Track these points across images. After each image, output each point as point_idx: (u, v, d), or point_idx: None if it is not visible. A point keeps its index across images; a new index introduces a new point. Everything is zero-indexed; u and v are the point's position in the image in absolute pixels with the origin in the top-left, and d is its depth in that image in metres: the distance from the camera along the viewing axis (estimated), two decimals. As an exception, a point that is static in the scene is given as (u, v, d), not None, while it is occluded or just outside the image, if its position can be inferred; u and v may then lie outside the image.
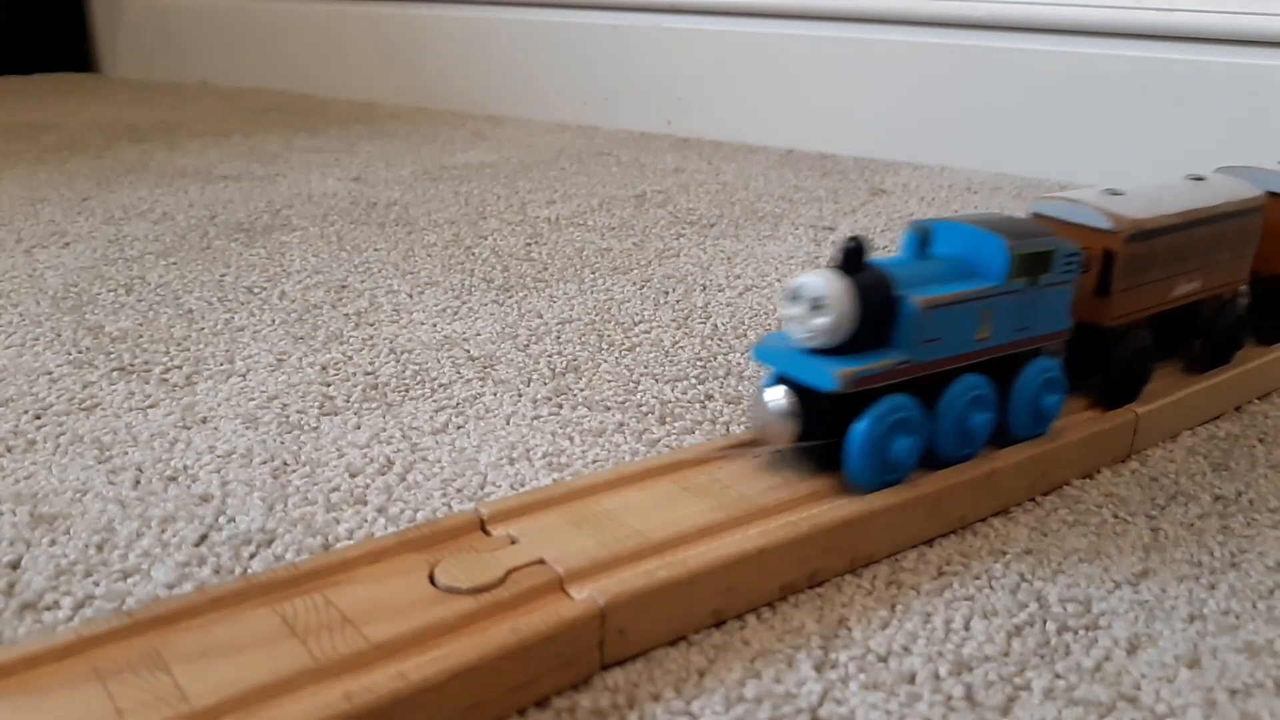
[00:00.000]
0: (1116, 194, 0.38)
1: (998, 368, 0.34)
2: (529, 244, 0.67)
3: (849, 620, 0.28)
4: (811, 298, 0.30)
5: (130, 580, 0.29)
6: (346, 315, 0.52)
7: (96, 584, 0.29)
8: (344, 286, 0.57)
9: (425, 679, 0.23)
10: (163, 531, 0.32)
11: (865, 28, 1.03)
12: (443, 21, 1.32)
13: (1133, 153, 0.89)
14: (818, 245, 0.68)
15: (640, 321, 0.52)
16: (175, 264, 0.61)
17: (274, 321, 0.51)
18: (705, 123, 1.14)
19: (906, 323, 0.31)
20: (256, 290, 0.56)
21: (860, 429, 0.31)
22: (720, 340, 0.50)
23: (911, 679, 0.26)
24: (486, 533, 0.29)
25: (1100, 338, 0.38)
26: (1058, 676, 0.26)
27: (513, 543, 0.28)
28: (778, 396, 0.32)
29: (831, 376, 0.30)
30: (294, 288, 0.57)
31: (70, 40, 1.68)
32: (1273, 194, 0.44)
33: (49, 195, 0.79)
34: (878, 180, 0.91)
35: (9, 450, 0.37)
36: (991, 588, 0.30)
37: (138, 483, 0.35)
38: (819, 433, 0.32)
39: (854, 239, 0.31)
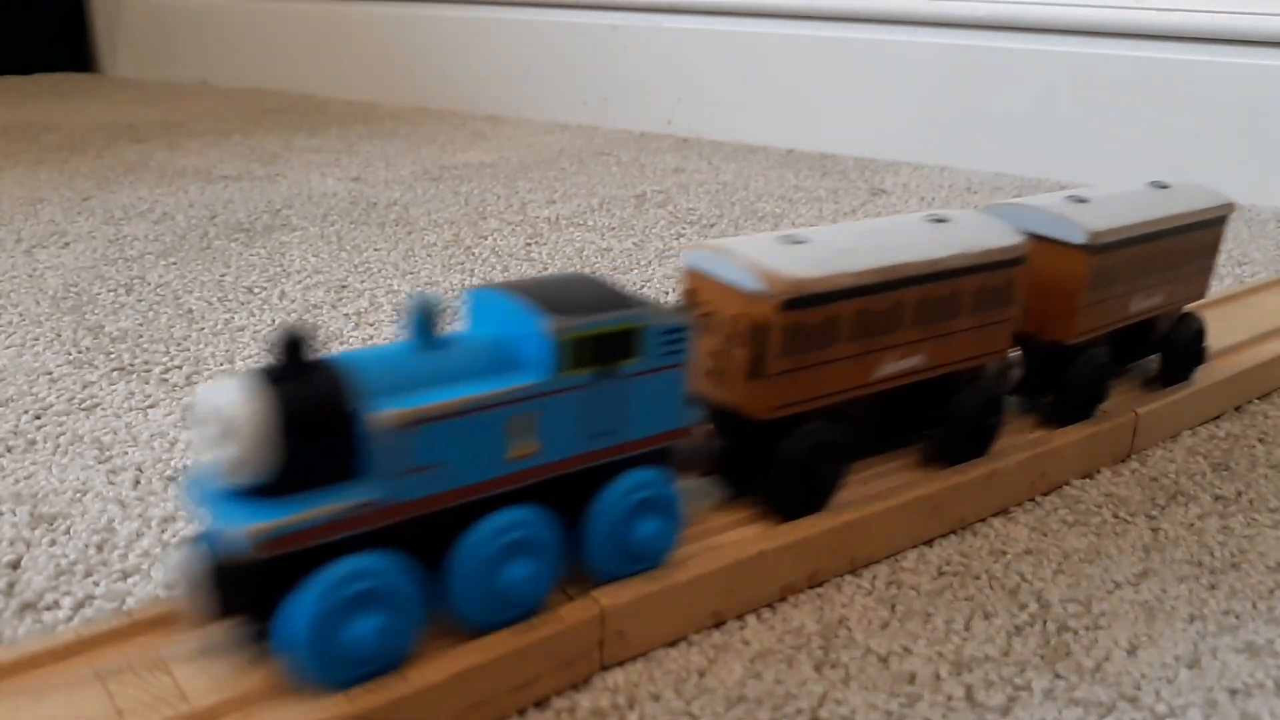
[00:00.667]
0: (796, 242, 0.30)
1: (564, 491, 0.25)
2: (529, 244, 0.67)
3: (849, 620, 0.28)
4: (215, 418, 0.21)
5: (130, 580, 0.29)
6: (346, 315, 0.52)
7: (96, 584, 0.29)
8: (344, 286, 0.57)
9: (426, 680, 0.23)
10: (163, 531, 0.32)
11: (865, 28, 1.03)
12: (443, 21, 1.32)
13: (1133, 153, 0.89)
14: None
15: (640, 321, 0.52)
16: (175, 264, 0.61)
17: (274, 321, 0.51)
18: (705, 123, 1.14)
19: (374, 447, 0.22)
20: (256, 290, 0.56)
21: (292, 609, 0.22)
22: (720, 340, 0.50)
23: (911, 679, 0.26)
24: None
25: (758, 434, 0.29)
26: (1058, 676, 0.26)
27: None
28: (190, 557, 0.22)
29: (238, 533, 0.21)
30: (294, 288, 0.57)
31: (70, 40, 1.68)
32: (1041, 239, 0.35)
33: (49, 195, 0.79)
34: (878, 180, 0.91)
35: (9, 450, 0.37)
36: (991, 588, 0.30)
37: (138, 483, 0.35)
38: (253, 608, 0.22)
39: (292, 328, 0.22)
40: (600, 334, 0.24)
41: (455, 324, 0.26)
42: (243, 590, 0.22)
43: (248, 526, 0.21)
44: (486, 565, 0.24)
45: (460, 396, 0.23)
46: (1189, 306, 0.42)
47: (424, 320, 0.24)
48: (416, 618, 0.23)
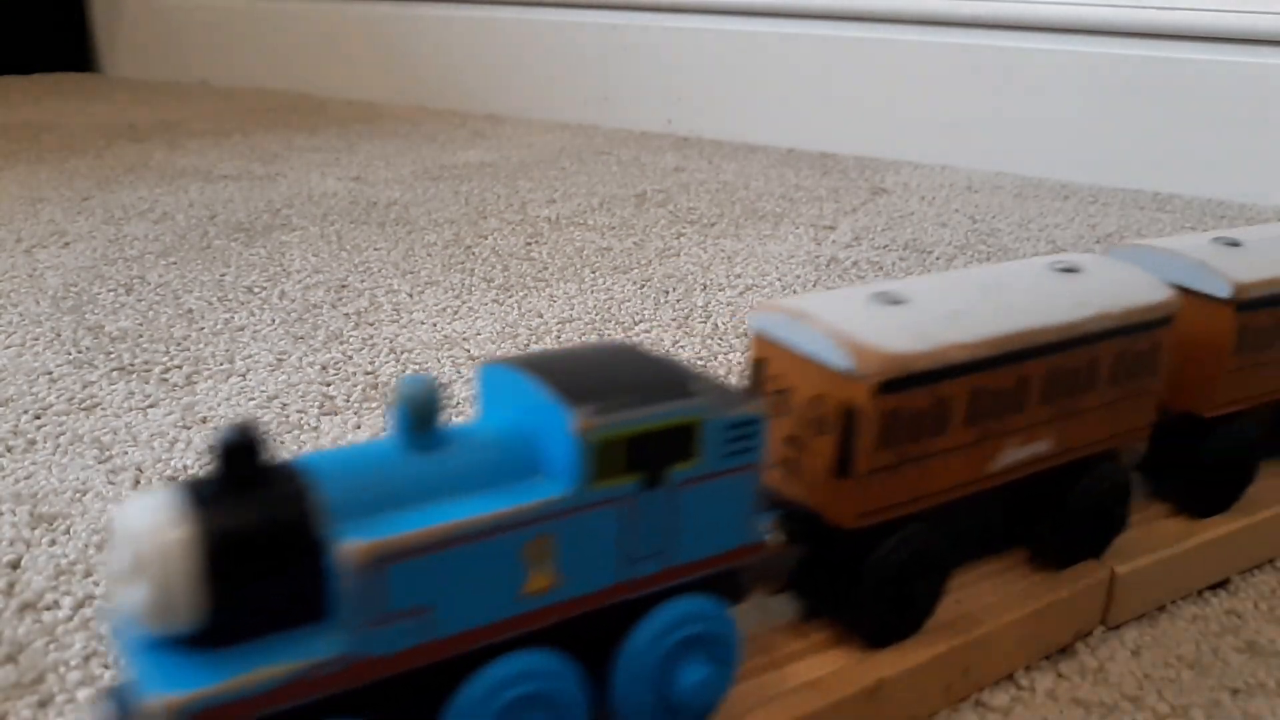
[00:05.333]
0: (891, 302, 0.24)
1: (590, 630, 0.20)
2: (529, 244, 0.67)
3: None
4: (128, 546, 0.17)
5: (130, 580, 0.29)
6: (346, 315, 0.52)
7: (96, 584, 0.29)
8: (344, 286, 0.57)
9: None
10: (163, 532, 0.32)
11: (865, 27, 1.03)
12: (443, 21, 1.32)
13: (1133, 153, 0.89)
14: (818, 244, 0.68)
15: (640, 321, 0.52)
16: (175, 264, 0.61)
17: (274, 321, 0.51)
18: (705, 122, 1.14)
19: (341, 586, 0.17)
20: (256, 290, 0.56)
21: None
22: (720, 340, 0.49)
23: None
24: None
25: (844, 541, 0.23)
26: (1060, 676, 0.26)
27: None
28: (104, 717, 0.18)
29: (154, 703, 0.16)
30: (294, 288, 0.57)
31: (70, 40, 1.68)
32: (1189, 291, 0.29)
33: (49, 195, 0.79)
34: (878, 179, 0.91)
35: (9, 450, 0.37)
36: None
37: (138, 483, 0.35)
38: None
39: (238, 428, 0.17)
40: (644, 432, 0.19)
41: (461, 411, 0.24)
42: None
43: (165, 696, 0.16)
44: None
45: (457, 518, 0.17)
46: None
47: (416, 413, 0.18)
48: None
